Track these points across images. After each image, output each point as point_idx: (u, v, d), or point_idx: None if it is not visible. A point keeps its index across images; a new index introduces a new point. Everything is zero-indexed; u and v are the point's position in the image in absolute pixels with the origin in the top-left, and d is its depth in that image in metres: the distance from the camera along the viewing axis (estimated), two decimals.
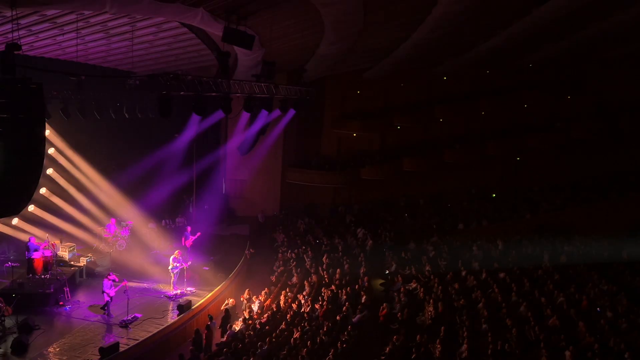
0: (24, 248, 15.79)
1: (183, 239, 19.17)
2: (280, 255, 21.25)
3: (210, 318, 14.85)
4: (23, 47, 9.45)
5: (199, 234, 19.22)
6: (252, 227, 25.51)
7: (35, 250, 15.56)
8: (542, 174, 28.33)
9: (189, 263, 16.76)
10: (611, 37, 21.57)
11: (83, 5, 10.37)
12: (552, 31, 19.75)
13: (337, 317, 14.19)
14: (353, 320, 13.97)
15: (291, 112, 19.90)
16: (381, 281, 18.59)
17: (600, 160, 27.57)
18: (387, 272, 19.25)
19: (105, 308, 14.39)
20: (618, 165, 27.28)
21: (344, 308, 14.71)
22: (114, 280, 14.52)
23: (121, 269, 17.45)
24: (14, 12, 8.96)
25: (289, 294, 16.83)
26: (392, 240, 22.63)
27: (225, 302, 15.90)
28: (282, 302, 16.00)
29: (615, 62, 26.62)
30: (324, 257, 20.25)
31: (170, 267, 16.25)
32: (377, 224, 25.18)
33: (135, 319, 14.25)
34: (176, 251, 16.63)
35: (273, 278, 19.32)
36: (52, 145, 18.34)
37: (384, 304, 14.90)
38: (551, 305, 14.37)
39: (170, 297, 16.00)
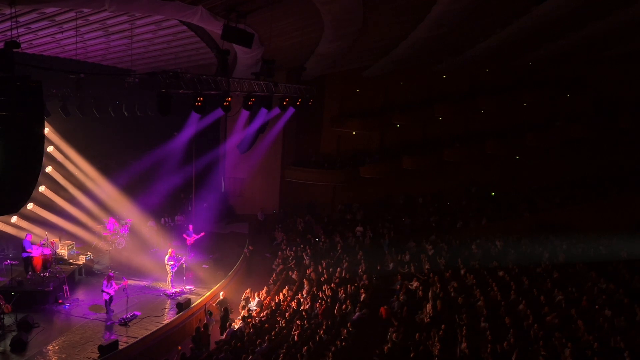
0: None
1: (185, 236, 19.21)
2: (279, 253, 21.26)
3: (210, 314, 14.87)
4: (22, 45, 9.47)
5: (202, 233, 19.26)
6: (252, 225, 25.54)
7: (30, 249, 15.54)
8: (541, 172, 28.35)
9: (184, 258, 16.74)
10: (610, 36, 21.57)
11: (82, 3, 10.37)
12: (552, 30, 19.76)
13: (337, 315, 14.21)
14: (352, 318, 13.98)
15: (290, 111, 19.89)
16: (380, 279, 18.58)
17: (600, 159, 27.59)
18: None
19: (106, 307, 14.41)
20: (617, 164, 27.31)
21: (343, 306, 14.72)
22: (109, 277, 14.54)
23: (120, 267, 17.51)
24: (13, 10, 8.97)
25: (288, 292, 16.85)
26: (391, 238, 22.65)
27: (217, 298, 15.99)
28: (281, 300, 16.01)
29: (615, 61, 26.63)
30: (323, 256, 20.27)
31: (166, 264, 16.29)
32: (376, 222, 25.20)
33: (134, 317, 14.27)
34: (170, 250, 16.63)
35: (273, 276, 19.32)
36: (51, 143, 18.31)
37: (383, 302, 14.91)
38: (550, 303, 14.39)
39: (169, 295, 16.03)
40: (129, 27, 13.42)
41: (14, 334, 12.58)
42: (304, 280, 17.48)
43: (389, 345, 11.82)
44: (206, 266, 18.89)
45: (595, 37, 21.34)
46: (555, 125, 28.20)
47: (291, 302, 15.77)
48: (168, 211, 22.74)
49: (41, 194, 17.99)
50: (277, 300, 16.01)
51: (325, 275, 17.96)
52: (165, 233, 20.69)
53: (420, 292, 15.76)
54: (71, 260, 17.19)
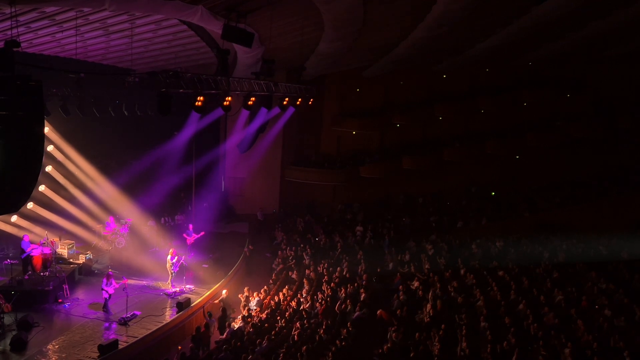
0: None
1: (185, 235, 19.21)
2: (279, 253, 21.26)
3: (210, 315, 14.87)
4: (22, 45, 9.45)
5: (202, 233, 19.28)
6: (252, 225, 25.54)
7: (28, 247, 15.54)
8: (541, 172, 28.35)
9: (183, 257, 16.75)
10: (610, 36, 21.57)
11: (82, 2, 10.37)
12: (552, 30, 19.75)
13: (337, 315, 14.20)
14: (352, 317, 13.99)
15: (290, 110, 19.89)
16: (380, 279, 18.58)
17: (600, 159, 27.59)
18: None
19: (105, 305, 14.42)
20: (617, 164, 27.31)
21: (343, 306, 14.73)
22: (108, 276, 14.56)
23: (120, 266, 17.50)
24: (13, 9, 8.96)
25: (288, 291, 16.84)
26: (391, 238, 22.64)
27: (220, 296, 15.97)
28: (281, 300, 16.01)
29: (615, 61, 26.62)
30: (323, 255, 20.26)
31: (168, 265, 16.30)
32: (376, 222, 25.19)
33: (134, 316, 14.27)
34: (171, 249, 16.65)
35: (273, 276, 19.32)
36: (51, 142, 18.31)
37: (383, 303, 14.92)
38: (550, 303, 14.39)
39: (169, 295, 16.03)
40: (129, 26, 13.42)
41: (14, 333, 12.57)
42: (304, 280, 17.49)
43: (389, 345, 11.83)
44: (206, 266, 18.89)
45: (595, 37, 21.34)
46: (556, 125, 28.20)
47: (291, 302, 15.77)
48: (168, 211, 22.74)
49: (41, 193, 17.99)
50: (277, 299, 16.01)
51: (325, 275, 17.95)
52: (165, 233, 20.69)
53: (420, 292, 15.76)
54: (71, 260, 17.19)
